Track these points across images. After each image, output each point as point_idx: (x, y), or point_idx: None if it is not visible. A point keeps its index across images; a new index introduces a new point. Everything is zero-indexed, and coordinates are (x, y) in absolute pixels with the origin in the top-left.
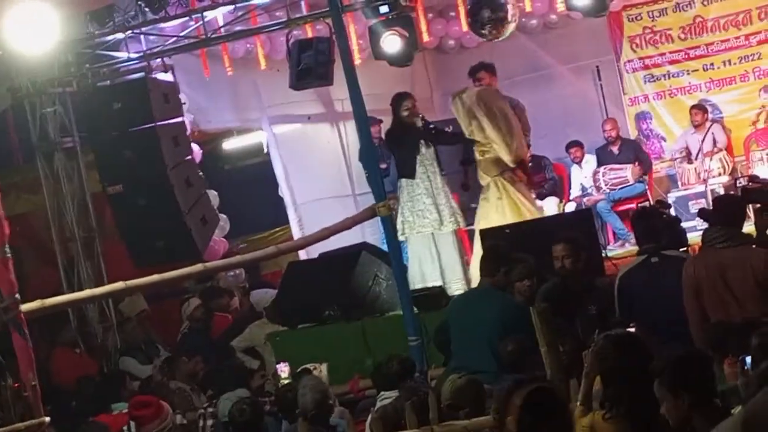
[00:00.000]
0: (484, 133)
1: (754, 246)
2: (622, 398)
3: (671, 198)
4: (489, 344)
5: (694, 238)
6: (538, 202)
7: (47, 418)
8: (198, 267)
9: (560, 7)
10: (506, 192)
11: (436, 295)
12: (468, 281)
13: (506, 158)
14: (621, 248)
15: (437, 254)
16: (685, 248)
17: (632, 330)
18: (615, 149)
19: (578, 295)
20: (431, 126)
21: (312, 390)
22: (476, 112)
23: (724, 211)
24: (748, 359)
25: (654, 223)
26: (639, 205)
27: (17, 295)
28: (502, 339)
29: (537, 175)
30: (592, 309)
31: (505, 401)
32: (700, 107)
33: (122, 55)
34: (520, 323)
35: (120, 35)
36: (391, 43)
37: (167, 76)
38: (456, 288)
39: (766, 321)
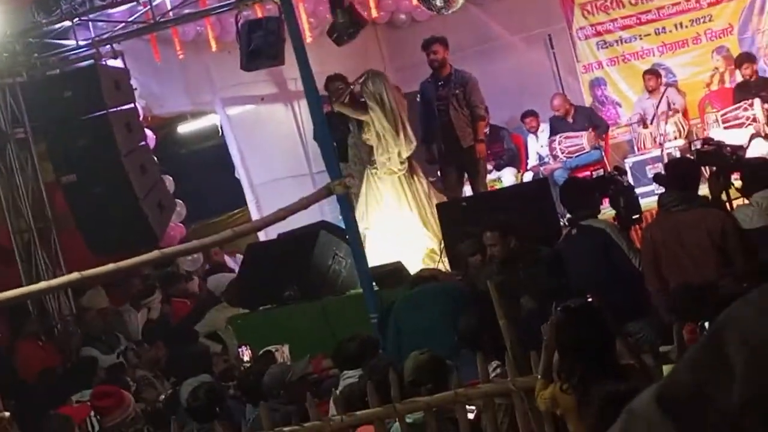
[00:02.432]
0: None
1: (709, 208)
2: (575, 370)
3: (628, 163)
4: (440, 325)
5: (652, 202)
6: (496, 173)
7: (7, 414)
8: (155, 254)
9: None
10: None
11: (395, 271)
12: None
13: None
14: None
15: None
16: (638, 215)
17: (590, 300)
18: (569, 118)
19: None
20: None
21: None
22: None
23: (677, 175)
24: (708, 324)
25: (570, 196)
26: (594, 172)
27: None
28: (461, 315)
29: (495, 145)
30: (540, 279)
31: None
32: (653, 72)
33: (71, 43)
34: (464, 296)
35: (68, 23)
36: None
37: (117, 63)
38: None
39: (723, 284)
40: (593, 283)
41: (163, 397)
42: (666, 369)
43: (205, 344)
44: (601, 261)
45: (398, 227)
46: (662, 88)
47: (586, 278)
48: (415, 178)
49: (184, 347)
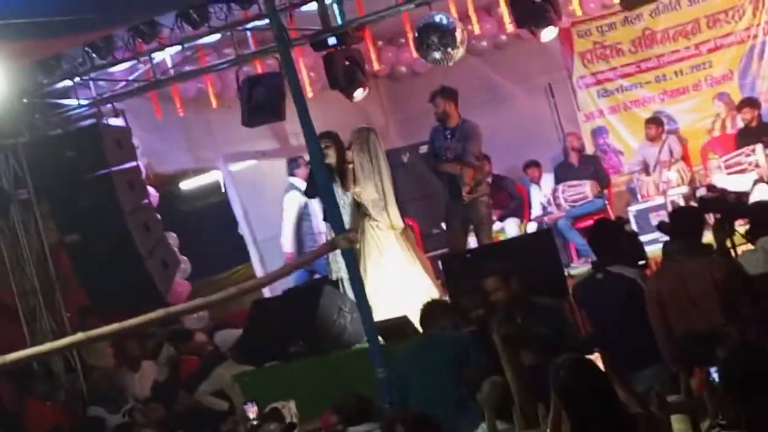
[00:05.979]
0: None
1: (713, 256)
2: (581, 424)
3: (632, 212)
4: (444, 375)
5: (656, 250)
6: (499, 224)
7: None
8: (160, 312)
9: (509, 27)
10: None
11: (401, 324)
12: None
13: None
14: (584, 265)
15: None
16: (643, 261)
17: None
18: (575, 162)
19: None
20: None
21: None
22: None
23: (681, 224)
24: (714, 370)
25: (601, 238)
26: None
27: None
28: (466, 369)
29: (500, 195)
30: (541, 330)
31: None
32: (654, 120)
33: (72, 102)
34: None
35: (69, 83)
36: None
37: (119, 121)
38: None
39: (728, 332)
40: (617, 329)
41: None
42: (674, 419)
43: (211, 402)
44: (629, 309)
45: (400, 279)
46: (664, 136)
47: (609, 324)
48: (407, 231)
49: (191, 405)
